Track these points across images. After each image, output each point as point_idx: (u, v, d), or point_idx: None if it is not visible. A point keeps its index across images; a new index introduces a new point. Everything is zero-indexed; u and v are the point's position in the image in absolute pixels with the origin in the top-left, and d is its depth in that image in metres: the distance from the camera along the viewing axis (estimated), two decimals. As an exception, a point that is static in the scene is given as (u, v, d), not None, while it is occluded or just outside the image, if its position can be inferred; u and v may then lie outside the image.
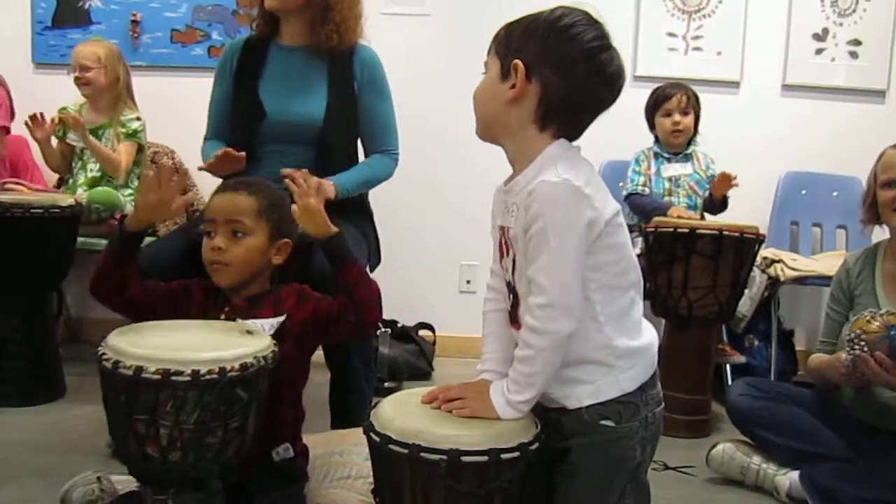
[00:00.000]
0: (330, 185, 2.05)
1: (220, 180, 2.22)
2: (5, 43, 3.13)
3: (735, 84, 3.23)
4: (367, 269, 2.14)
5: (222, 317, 1.55)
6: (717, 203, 2.78)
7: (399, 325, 3.12)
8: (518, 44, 1.15)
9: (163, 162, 3.08)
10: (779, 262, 2.81)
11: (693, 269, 2.38)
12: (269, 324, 1.51)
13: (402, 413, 1.17)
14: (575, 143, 1.19)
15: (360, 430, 1.92)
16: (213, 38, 3.18)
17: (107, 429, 1.40)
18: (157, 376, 1.23)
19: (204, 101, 2.31)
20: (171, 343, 1.31)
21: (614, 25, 1.19)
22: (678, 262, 2.38)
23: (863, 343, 1.75)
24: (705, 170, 2.85)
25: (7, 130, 2.80)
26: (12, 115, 2.79)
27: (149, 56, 3.17)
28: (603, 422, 1.15)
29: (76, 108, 2.87)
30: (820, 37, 3.21)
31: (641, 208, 2.76)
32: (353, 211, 2.15)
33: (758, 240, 2.43)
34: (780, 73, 3.24)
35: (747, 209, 2.92)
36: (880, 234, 2.11)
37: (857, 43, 3.21)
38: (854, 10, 3.19)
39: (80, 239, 2.54)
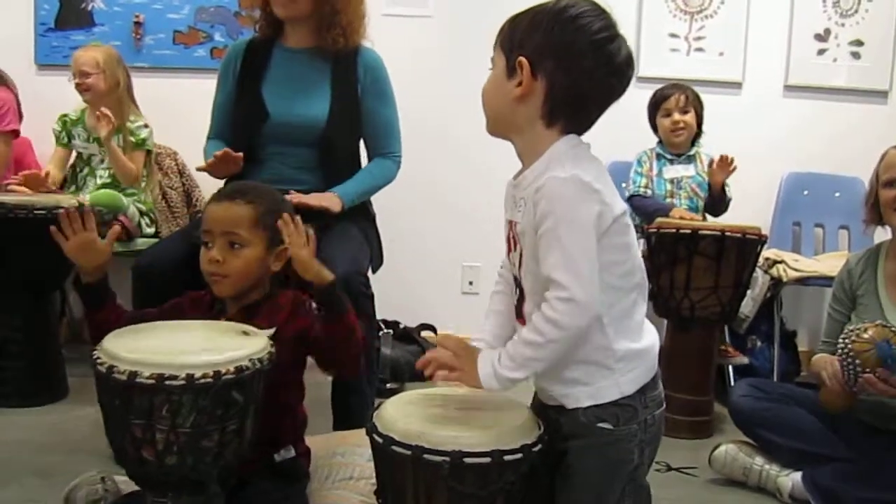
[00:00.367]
0: (336, 200, 2.06)
1: (220, 181, 2.24)
2: (8, 44, 3.14)
3: (737, 85, 3.23)
4: (370, 271, 2.14)
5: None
6: (717, 198, 2.77)
7: (401, 326, 3.12)
8: (522, 39, 1.13)
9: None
10: (781, 262, 2.81)
11: (695, 269, 2.37)
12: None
13: (405, 414, 1.17)
14: (585, 141, 1.19)
15: (363, 431, 1.92)
16: (215, 40, 3.18)
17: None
18: (151, 381, 1.22)
19: (206, 103, 2.31)
20: (165, 346, 1.31)
21: (616, 26, 1.18)
22: (680, 263, 2.38)
23: (854, 358, 1.75)
24: (707, 172, 2.84)
25: (16, 134, 2.80)
26: (20, 117, 2.79)
27: (151, 57, 3.17)
28: (600, 424, 1.14)
29: (78, 115, 2.87)
30: (822, 37, 3.20)
31: (643, 210, 2.75)
32: (355, 213, 2.15)
33: (760, 240, 2.43)
34: (782, 73, 3.23)
35: (749, 210, 2.92)
36: (882, 234, 2.11)
37: (860, 43, 3.20)
38: (856, 11, 3.18)
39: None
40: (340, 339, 1.51)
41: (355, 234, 2.13)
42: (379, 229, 2.34)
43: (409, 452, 1.09)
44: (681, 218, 2.60)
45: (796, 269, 2.76)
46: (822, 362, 1.99)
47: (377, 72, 2.24)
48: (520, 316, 1.21)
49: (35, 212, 2.31)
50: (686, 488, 2.04)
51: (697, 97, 2.79)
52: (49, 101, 2.91)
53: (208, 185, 3.06)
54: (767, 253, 2.81)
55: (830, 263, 2.77)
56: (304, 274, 1.49)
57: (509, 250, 1.22)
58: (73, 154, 2.93)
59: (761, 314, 2.88)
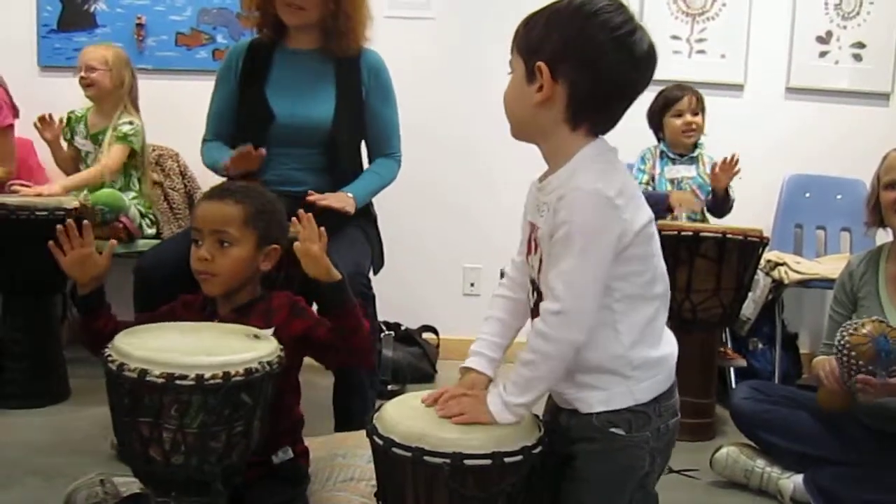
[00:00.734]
0: (351, 201, 2.07)
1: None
2: (11, 46, 3.14)
3: (739, 87, 3.23)
4: (372, 272, 2.15)
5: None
6: (720, 200, 2.77)
7: (402, 327, 3.12)
8: (540, 42, 1.10)
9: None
10: (783, 264, 2.81)
11: (697, 271, 2.37)
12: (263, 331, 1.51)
13: (406, 416, 1.17)
14: (612, 145, 1.17)
15: (363, 432, 1.94)
16: (217, 42, 3.18)
17: (111, 431, 1.41)
18: (161, 380, 1.23)
19: (208, 103, 2.31)
20: (176, 346, 1.31)
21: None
22: (682, 265, 2.38)
23: (853, 355, 1.75)
24: (709, 173, 2.84)
25: (11, 128, 2.80)
26: (15, 113, 2.79)
27: (154, 59, 3.18)
28: (612, 429, 1.13)
29: (83, 113, 2.87)
30: (823, 39, 3.21)
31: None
32: (357, 215, 2.16)
33: (761, 242, 2.43)
34: (783, 75, 3.23)
35: (751, 212, 2.91)
36: (884, 236, 2.11)
37: (861, 46, 3.20)
38: (858, 13, 3.19)
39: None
40: (351, 331, 1.51)
41: (357, 235, 2.14)
42: (380, 230, 2.34)
43: (409, 454, 1.09)
44: (678, 201, 2.60)
45: (798, 272, 2.76)
46: (821, 363, 1.99)
47: (380, 73, 2.25)
48: (536, 316, 1.19)
49: (37, 213, 2.32)
50: (687, 491, 2.05)
51: (703, 101, 2.80)
52: (51, 102, 2.90)
53: (210, 187, 3.07)
54: (769, 255, 2.82)
55: (832, 266, 2.77)
56: (314, 270, 1.50)
57: (529, 252, 1.20)
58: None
59: (763, 316, 2.89)
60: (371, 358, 1.59)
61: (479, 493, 1.08)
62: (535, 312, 1.19)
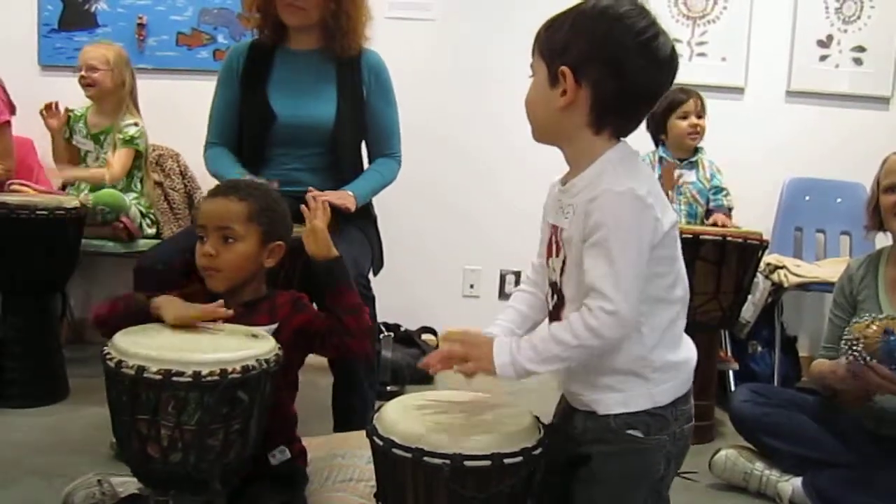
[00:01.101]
0: (351, 198, 2.07)
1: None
2: (12, 45, 3.14)
3: (739, 90, 3.24)
4: (372, 273, 2.15)
5: (219, 322, 1.54)
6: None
7: (402, 328, 3.12)
8: (563, 46, 1.10)
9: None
10: (782, 268, 2.81)
11: (696, 274, 2.37)
12: (263, 331, 1.51)
13: (406, 417, 1.17)
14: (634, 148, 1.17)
15: (363, 433, 1.93)
16: (218, 42, 3.19)
17: (110, 431, 1.40)
18: (158, 376, 1.24)
19: (209, 104, 2.31)
20: (174, 344, 1.32)
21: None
22: (681, 268, 2.38)
23: (861, 347, 1.75)
24: (709, 178, 2.84)
25: (8, 124, 2.80)
26: (11, 110, 2.79)
27: (154, 59, 3.18)
28: (630, 431, 1.12)
29: (83, 112, 2.88)
30: (824, 43, 3.21)
31: None
32: (357, 215, 2.16)
33: (761, 246, 2.43)
34: (784, 79, 3.24)
35: (751, 215, 2.92)
36: (884, 240, 2.10)
37: (862, 49, 3.21)
38: (858, 17, 3.19)
39: (84, 241, 2.55)
40: (347, 308, 1.53)
41: (357, 236, 2.14)
42: (380, 231, 2.34)
43: (409, 455, 1.09)
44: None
45: (797, 275, 2.76)
46: (824, 368, 1.99)
47: (381, 73, 2.26)
48: (556, 321, 1.18)
49: (37, 212, 2.31)
50: (686, 493, 2.03)
51: (705, 103, 2.80)
52: (55, 100, 2.90)
53: (210, 187, 3.06)
54: (769, 258, 2.82)
55: (831, 269, 2.77)
56: (314, 247, 1.55)
57: (549, 255, 1.19)
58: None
59: (762, 319, 2.88)
60: (368, 343, 1.60)
61: (478, 493, 1.08)
62: (554, 316, 1.18)
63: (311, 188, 1.99)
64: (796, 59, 3.21)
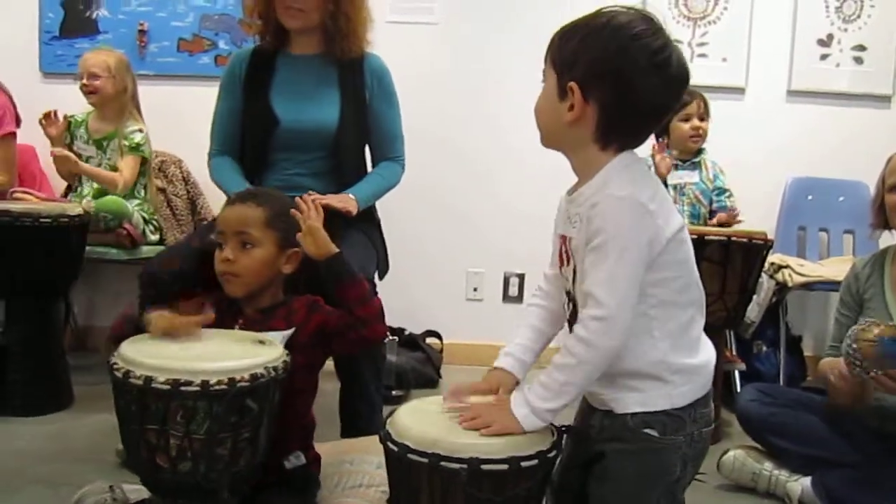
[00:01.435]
0: (352, 201, 2.07)
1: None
2: (13, 52, 3.15)
3: (740, 90, 3.23)
4: (377, 277, 2.14)
5: (236, 328, 1.55)
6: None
7: (406, 332, 3.12)
8: (574, 61, 1.10)
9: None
10: (786, 267, 2.81)
11: (701, 274, 2.35)
12: (280, 336, 1.51)
13: (420, 421, 1.17)
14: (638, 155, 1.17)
15: (371, 438, 1.93)
16: (220, 48, 3.19)
17: (115, 438, 1.40)
18: (166, 386, 1.24)
19: (211, 110, 2.30)
20: (181, 353, 1.32)
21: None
22: (686, 268, 2.37)
23: (861, 357, 1.75)
24: (712, 179, 2.84)
25: (14, 136, 2.80)
26: (18, 121, 2.80)
27: (156, 65, 3.18)
28: (646, 430, 1.13)
29: (83, 117, 2.88)
30: (825, 42, 3.21)
31: None
32: (360, 219, 2.16)
33: (766, 245, 2.42)
34: (785, 78, 3.23)
35: (755, 215, 2.91)
36: (888, 239, 2.10)
37: (862, 48, 3.20)
38: (859, 16, 3.19)
39: (88, 248, 2.54)
40: (355, 299, 1.53)
41: (361, 240, 2.14)
42: (384, 235, 2.34)
43: (425, 460, 1.08)
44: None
45: (802, 274, 2.76)
46: (829, 365, 1.99)
47: (384, 77, 2.25)
48: (572, 329, 1.19)
49: (41, 220, 2.31)
50: (695, 494, 2.00)
51: (708, 105, 2.80)
52: (53, 109, 2.90)
53: (213, 193, 3.06)
54: (773, 258, 2.81)
55: (836, 268, 2.77)
56: (313, 247, 1.54)
57: (561, 265, 1.21)
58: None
59: (767, 319, 2.88)
60: (383, 326, 1.61)
61: (494, 496, 1.08)
62: (571, 323, 1.19)
63: (311, 192, 1.99)
64: (797, 58, 3.21)
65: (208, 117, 2.30)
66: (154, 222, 2.88)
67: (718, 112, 2.93)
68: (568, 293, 1.20)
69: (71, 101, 2.86)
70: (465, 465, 1.06)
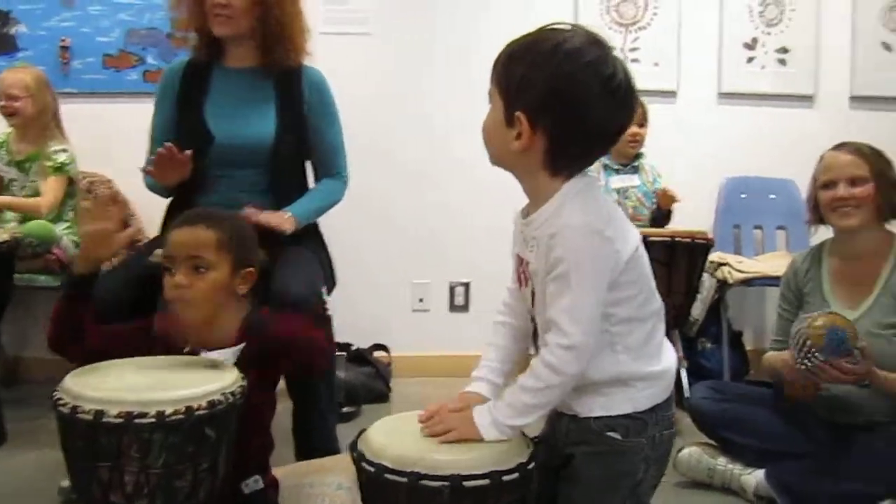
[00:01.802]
0: (289, 219, 2.01)
1: (160, 208, 2.16)
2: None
3: (672, 94, 3.31)
4: (325, 293, 2.09)
5: (185, 350, 1.49)
6: (664, 214, 2.83)
7: (353, 347, 3.06)
8: (521, 87, 1.07)
9: (100, 191, 2.96)
10: (726, 265, 2.88)
11: (648, 276, 2.40)
12: (230, 352, 1.46)
13: (395, 440, 1.14)
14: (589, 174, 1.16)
15: (329, 458, 1.89)
16: (148, 63, 3.08)
17: (57, 476, 1.32)
18: (119, 420, 1.17)
19: (141, 128, 2.23)
20: (132, 383, 1.25)
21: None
22: (632, 271, 2.41)
23: (810, 347, 1.80)
24: (652, 182, 2.89)
25: None
26: None
27: (80, 82, 3.05)
28: (609, 433, 1.14)
29: (3, 139, 2.74)
30: (750, 46, 3.32)
31: None
32: (306, 235, 2.11)
33: (708, 245, 2.48)
34: (714, 81, 3.33)
35: (691, 215, 2.97)
36: (823, 233, 2.17)
37: (785, 51, 3.33)
38: (780, 20, 3.31)
39: (16, 275, 2.43)
40: (283, 349, 1.50)
41: (309, 256, 2.09)
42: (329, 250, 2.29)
43: (404, 480, 1.06)
44: None
45: (741, 271, 2.83)
46: (776, 361, 2.04)
47: (322, 90, 2.21)
48: (537, 346, 1.20)
49: (-35, 248, 2.19)
50: (654, 493, 2.05)
51: (647, 111, 2.85)
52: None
53: (146, 214, 2.96)
54: (712, 256, 2.87)
55: (772, 263, 2.86)
56: None
57: (520, 285, 1.21)
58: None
59: (709, 316, 2.95)
60: (321, 362, 1.59)
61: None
62: (535, 341, 1.20)
63: (247, 205, 1.93)
64: (725, 61, 3.31)
65: (137, 135, 2.22)
66: (85, 246, 2.75)
67: (652, 116, 2.99)
68: (529, 312, 1.21)
69: (-9, 122, 2.73)
70: (446, 483, 1.04)
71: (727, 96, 3.33)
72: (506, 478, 1.07)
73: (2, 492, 1.99)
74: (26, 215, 2.65)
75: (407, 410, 1.29)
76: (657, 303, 1.18)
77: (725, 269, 2.87)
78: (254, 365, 1.46)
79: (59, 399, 1.22)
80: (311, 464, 1.85)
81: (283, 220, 2.01)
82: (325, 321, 1.93)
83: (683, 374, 2.82)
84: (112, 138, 2.96)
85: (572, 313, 1.07)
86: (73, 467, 1.24)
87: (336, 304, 2.26)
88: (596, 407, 1.14)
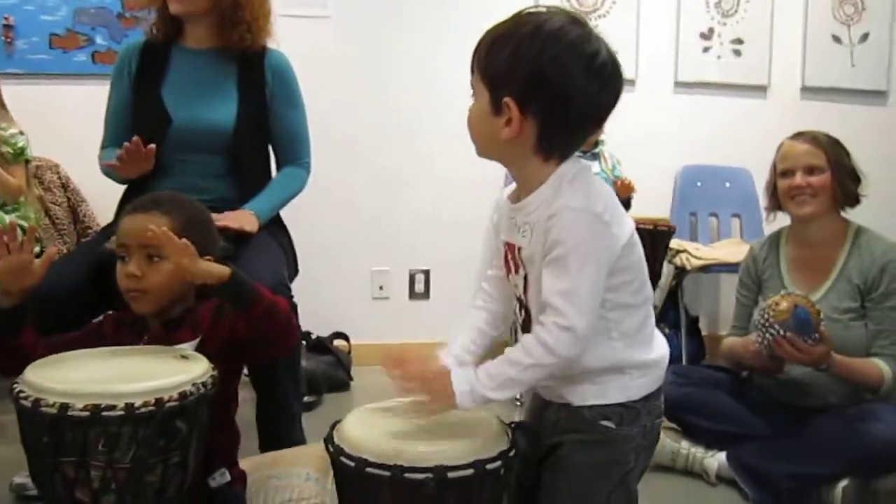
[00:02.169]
0: (252, 219, 1.96)
1: (114, 196, 2.08)
2: None
3: (631, 82, 3.33)
4: (287, 279, 2.05)
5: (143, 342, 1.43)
6: (623, 202, 2.85)
7: (313, 336, 3.02)
8: (506, 75, 1.06)
9: (47, 177, 2.84)
10: (683, 252, 2.93)
11: (610, 263, 2.42)
12: (189, 346, 1.41)
13: (373, 433, 1.11)
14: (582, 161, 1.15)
15: (296, 449, 1.86)
16: (97, 43, 2.96)
17: (8, 471, 1.26)
18: (85, 413, 1.11)
19: (90, 111, 2.15)
20: (98, 375, 1.20)
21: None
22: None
23: (773, 322, 1.84)
24: (611, 170, 2.92)
25: None
26: None
27: (25, 63, 2.92)
28: (603, 422, 1.13)
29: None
30: (706, 36, 3.37)
31: None
32: (269, 223, 2.06)
33: (669, 232, 2.52)
34: (671, 70, 3.37)
35: (648, 203, 3.00)
36: (781, 221, 2.21)
37: (740, 41, 3.39)
38: (736, 11, 3.37)
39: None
40: (261, 318, 1.39)
41: (272, 245, 2.04)
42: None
43: (387, 473, 1.03)
44: None
45: (698, 258, 2.88)
46: (737, 345, 2.08)
47: (286, 75, 2.15)
48: (526, 332, 1.17)
49: None
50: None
51: None
52: None
53: (97, 200, 2.86)
54: (671, 243, 2.92)
55: (728, 250, 2.92)
56: (199, 279, 1.37)
57: (508, 272, 1.19)
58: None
59: (667, 303, 3.00)
60: (290, 337, 1.49)
61: (460, 502, 1.05)
62: (525, 329, 1.17)
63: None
64: (682, 51, 3.36)
65: (88, 118, 2.15)
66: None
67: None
68: (519, 300, 1.18)
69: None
70: (430, 475, 1.02)
71: (684, 85, 3.38)
72: (489, 466, 1.06)
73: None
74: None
75: (368, 399, 1.27)
76: (649, 289, 1.18)
77: (683, 255, 2.91)
78: (214, 359, 1.38)
79: (21, 392, 1.16)
80: (277, 455, 1.81)
81: (246, 220, 1.96)
82: (292, 309, 1.89)
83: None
84: (60, 122, 2.85)
85: (570, 297, 1.05)
86: (36, 463, 1.19)
87: (296, 292, 2.22)
88: (589, 396, 1.13)
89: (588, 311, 1.06)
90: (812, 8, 3.41)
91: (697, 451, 2.09)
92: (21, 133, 2.58)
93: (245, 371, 1.69)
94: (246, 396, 1.95)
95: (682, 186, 3.33)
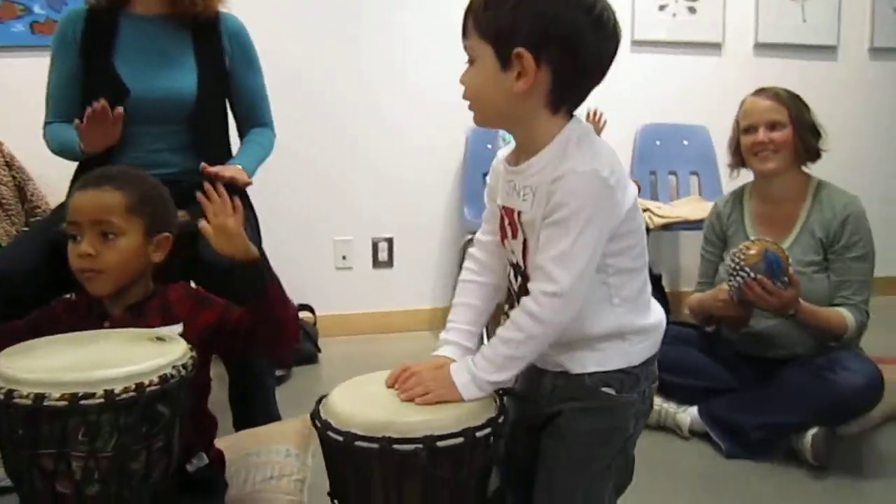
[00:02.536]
0: (243, 171, 1.91)
1: (63, 173, 1.98)
2: None
3: (587, 42, 3.32)
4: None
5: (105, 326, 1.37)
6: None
7: (278, 309, 2.97)
8: (513, 27, 1.03)
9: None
10: (646, 210, 2.94)
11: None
12: (168, 331, 1.36)
13: (361, 406, 1.09)
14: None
15: (273, 425, 1.83)
16: (35, 13, 2.81)
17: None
18: (63, 402, 1.06)
19: (31, 84, 2.05)
20: (73, 362, 1.14)
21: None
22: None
23: (744, 265, 1.87)
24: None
25: None
26: None
27: (-43, 35, 2.77)
28: (604, 388, 1.12)
29: None
30: (662, -6, 3.37)
31: None
32: (233, 191, 2.00)
33: (637, 189, 2.52)
34: (628, 29, 3.35)
35: (611, 163, 3.02)
36: (745, 177, 2.24)
37: (694, -1, 3.40)
38: (690, -31, 3.37)
39: None
40: (276, 303, 1.37)
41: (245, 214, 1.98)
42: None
43: (376, 445, 1.02)
44: None
45: (661, 216, 2.91)
46: (705, 298, 2.11)
47: (243, 39, 2.09)
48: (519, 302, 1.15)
49: None
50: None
51: None
52: None
53: (45, 178, 2.74)
54: (634, 203, 2.94)
55: (690, 208, 2.95)
56: (228, 247, 1.35)
57: (505, 237, 1.17)
58: None
59: (631, 261, 3.02)
60: (296, 330, 1.46)
61: (452, 474, 1.04)
62: (520, 296, 1.15)
63: (204, 164, 1.82)
64: (638, 10, 3.35)
65: (28, 92, 2.04)
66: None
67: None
68: (516, 266, 1.17)
69: None
70: (420, 445, 1.01)
71: (640, 44, 3.38)
72: (479, 434, 1.05)
73: None
74: None
75: (337, 371, 1.24)
76: (647, 256, 1.18)
77: (646, 214, 2.93)
78: (198, 345, 1.32)
79: (-10, 385, 1.10)
80: (254, 433, 1.78)
81: (238, 171, 1.90)
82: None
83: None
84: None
85: (565, 260, 1.04)
86: (11, 457, 1.13)
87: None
88: (589, 363, 1.12)
89: (580, 275, 1.05)
90: (765, -36, 3.43)
91: (670, 407, 2.13)
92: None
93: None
94: (215, 372, 1.91)
95: (641, 145, 3.35)
